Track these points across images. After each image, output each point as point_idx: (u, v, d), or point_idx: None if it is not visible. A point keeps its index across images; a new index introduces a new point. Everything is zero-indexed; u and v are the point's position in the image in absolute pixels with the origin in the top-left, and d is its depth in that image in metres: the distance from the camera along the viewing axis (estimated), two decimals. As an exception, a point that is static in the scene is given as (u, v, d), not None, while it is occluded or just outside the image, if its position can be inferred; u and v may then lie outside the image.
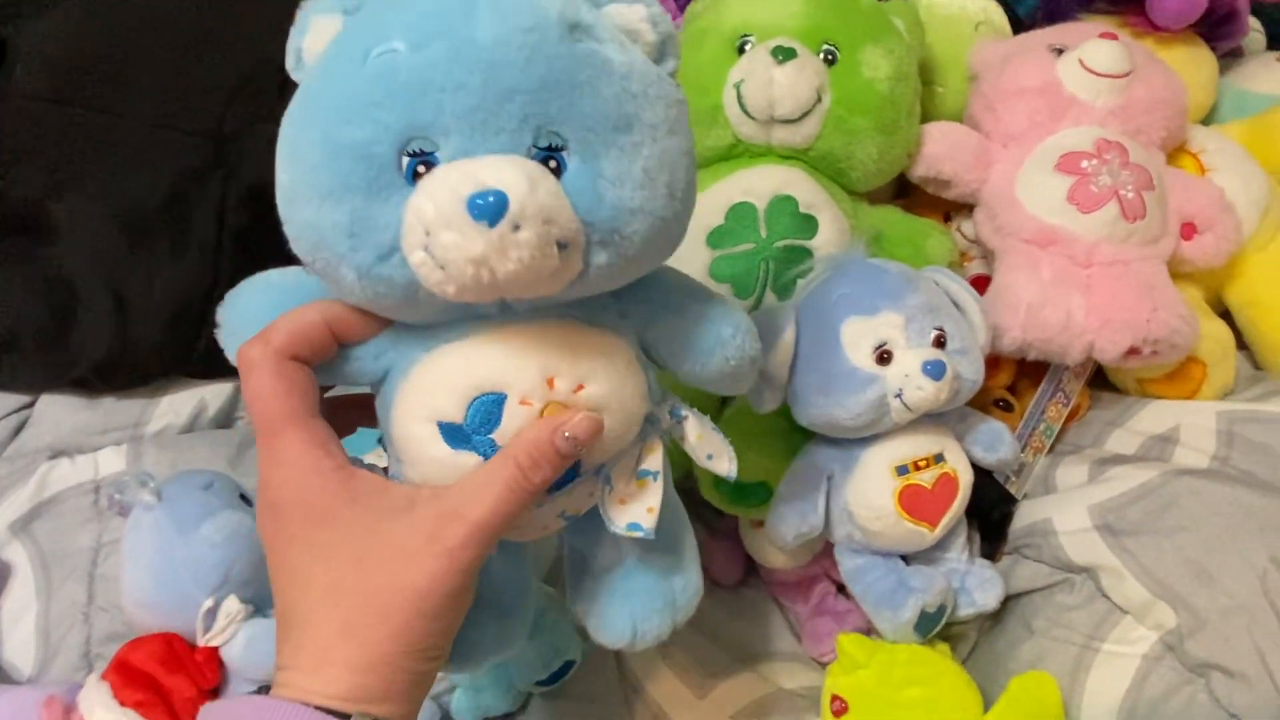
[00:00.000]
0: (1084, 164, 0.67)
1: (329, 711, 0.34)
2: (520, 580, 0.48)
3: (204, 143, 0.70)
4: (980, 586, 0.62)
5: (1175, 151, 0.75)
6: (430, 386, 0.38)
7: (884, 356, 0.56)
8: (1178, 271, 0.69)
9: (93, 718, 0.55)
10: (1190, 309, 0.65)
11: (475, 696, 0.63)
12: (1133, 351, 0.63)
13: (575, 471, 0.40)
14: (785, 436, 0.64)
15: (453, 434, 0.37)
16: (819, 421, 0.58)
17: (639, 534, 0.41)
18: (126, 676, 0.56)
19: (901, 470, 0.58)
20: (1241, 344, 0.75)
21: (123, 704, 0.55)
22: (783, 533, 0.60)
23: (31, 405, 0.72)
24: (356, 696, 0.35)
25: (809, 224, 0.65)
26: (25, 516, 0.66)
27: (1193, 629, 0.55)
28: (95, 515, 0.67)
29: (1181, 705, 0.54)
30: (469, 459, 0.37)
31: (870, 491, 0.58)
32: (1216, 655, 0.54)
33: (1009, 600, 0.64)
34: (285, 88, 0.36)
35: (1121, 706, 0.56)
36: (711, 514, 0.75)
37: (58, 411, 0.72)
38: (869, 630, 0.64)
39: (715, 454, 0.46)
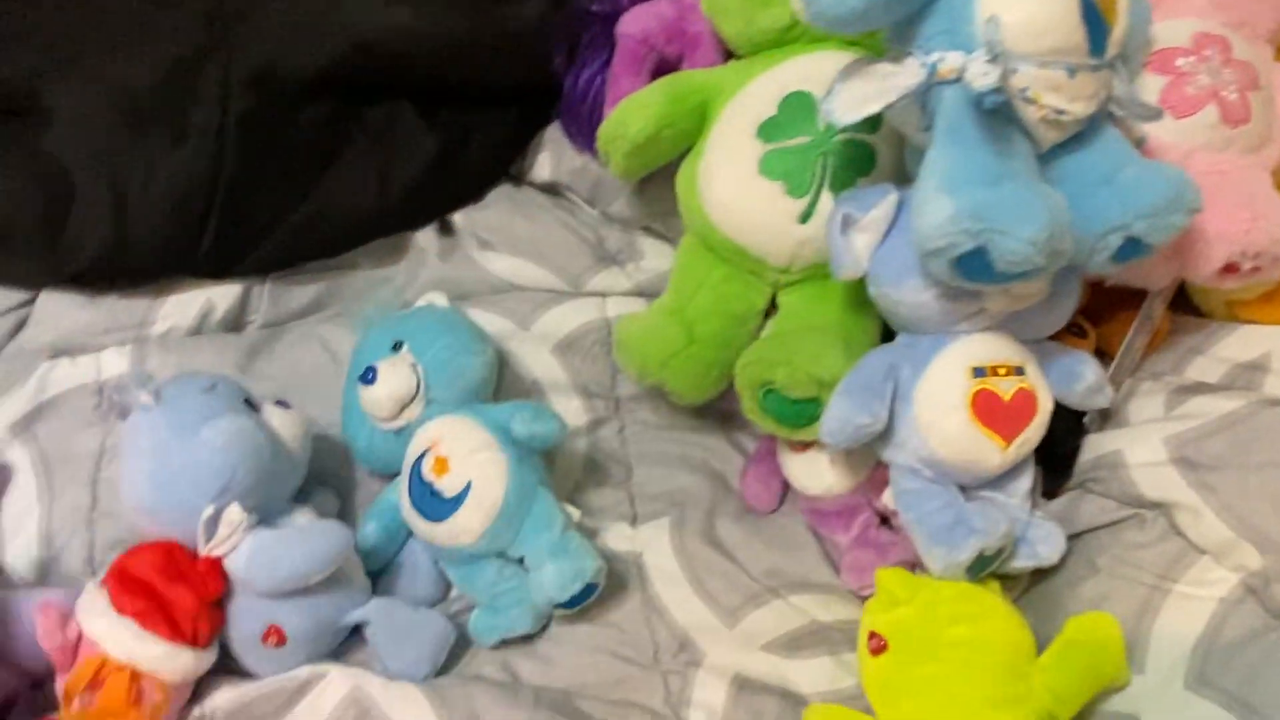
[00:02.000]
0: (1179, 62, 0.60)
1: None
2: None
3: (202, 21, 0.66)
4: (1044, 539, 0.58)
5: (1285, 46, 0.67)
6: None
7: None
8: (1284, 182, 0.62)
9: (89, 625, 0.52)
10: (1295, 222, 0.59)
11: (494, 617, 0.61)
12: (1229, 269, 0.57)
13: None
14: (842, 345, 0.60)
15: None
16: (902, 299, 0.55)
17: None
18: (125, 584, 0.53)
19: (979, 372, 0.54)
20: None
21: (120, 612, 0.52)
22: (839, 427, 0.56)
23: (31, 303, 0.69)
24: None
25: (872, 116, 0.59)
26: (26, 417, 0.64)
27: (1281, 571, 0.50)
28: (98, 418, 0.65)
29: (1263, 653, 0.50)
30: None
31: (942, 389, 0.55)
32: (1307, 601, 0.49)
33: (1071, 537, 0.59)
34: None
35: (1194, 652, 0.52)
36: (747, 438, 0.72)
37: (58, 309, 0.68)
38: (913, 565, 0.60)
39: None
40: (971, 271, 0.48)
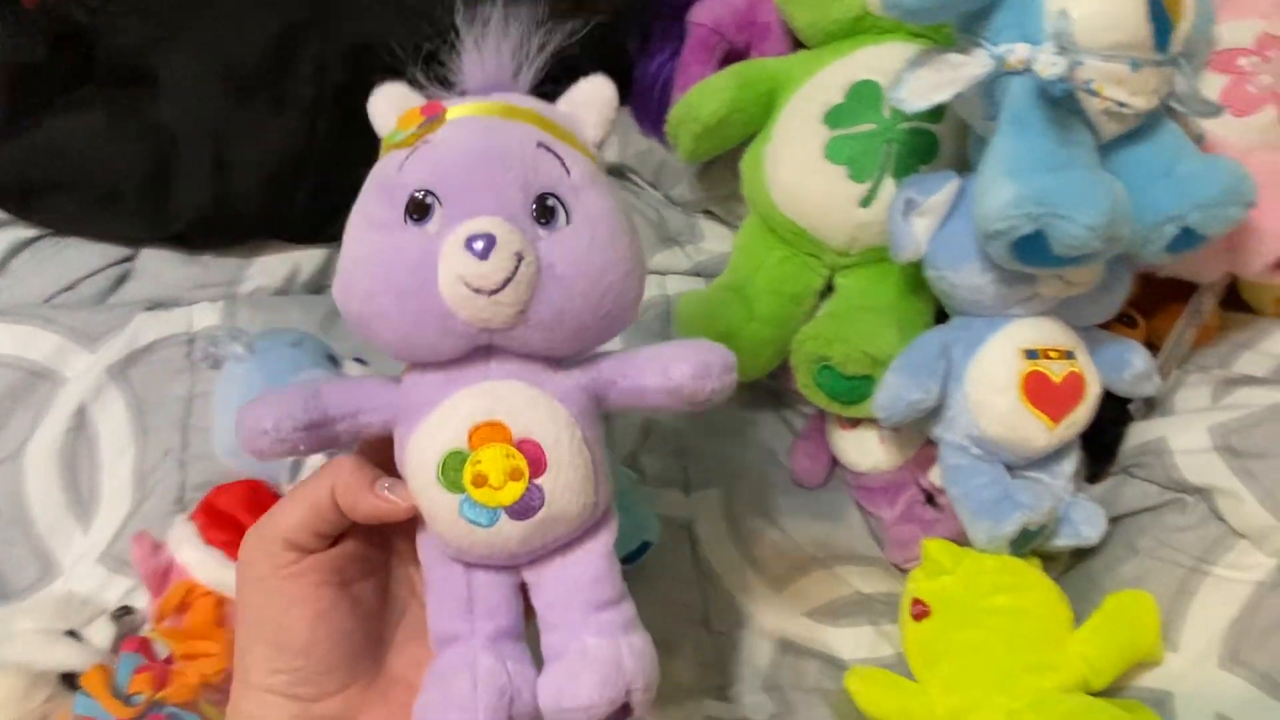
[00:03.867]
0: (1241, 61, 0.60)
1: None
2: None
3: (305, -3, 0.69)
4: (1086, 520, 0.59)
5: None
6: None
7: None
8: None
9: (180, 553, 0.56)
10: (1348, 222, 0.59)
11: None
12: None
13: None
14: (897, 326, 0.61)
15: None
16: (959, 282, 0.56)
17: None
18: (212, 518, 0.57)
19: (1031, 354, 0.56)
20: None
21: (209, 543, 0.56)
22: (892, 402, 0.57)
23: (132, 259, 0.73)
24: None
25: (937, 106, 0.61)
26: (122, 362, 0.67)
27: (1319, 558, 0.52)
28: (188, 366, 0.68)
29: (1297, 636, 0.51)
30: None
31: (994, 369, 0.56)
32: (1342, 587, 0.50)
33: (1112, 520, 0.61)
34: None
35: (1229, 633, 0.53)
36: (796, 416, 0.74)
37: (157, 265, 0.73)
38: (957, 542, 0.61)
39: None
40: (1029, 255, 0.50)
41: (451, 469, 0.35)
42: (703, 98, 0.67)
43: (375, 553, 0.41)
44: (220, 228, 0.71)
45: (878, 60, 0.63)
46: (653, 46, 0.78)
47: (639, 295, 0.38)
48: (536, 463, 0.35)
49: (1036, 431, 0.57)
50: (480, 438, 0.35)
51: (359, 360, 0.64)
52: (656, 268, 0.80)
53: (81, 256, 0.72)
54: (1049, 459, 0.60)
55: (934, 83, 0.51)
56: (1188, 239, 0.52)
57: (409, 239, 0.34)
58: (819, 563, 0.66)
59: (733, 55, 0.75)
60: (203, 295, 0.72)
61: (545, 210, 0.35)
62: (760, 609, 0.64)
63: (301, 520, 0.37)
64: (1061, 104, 0.50)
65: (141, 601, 0.59)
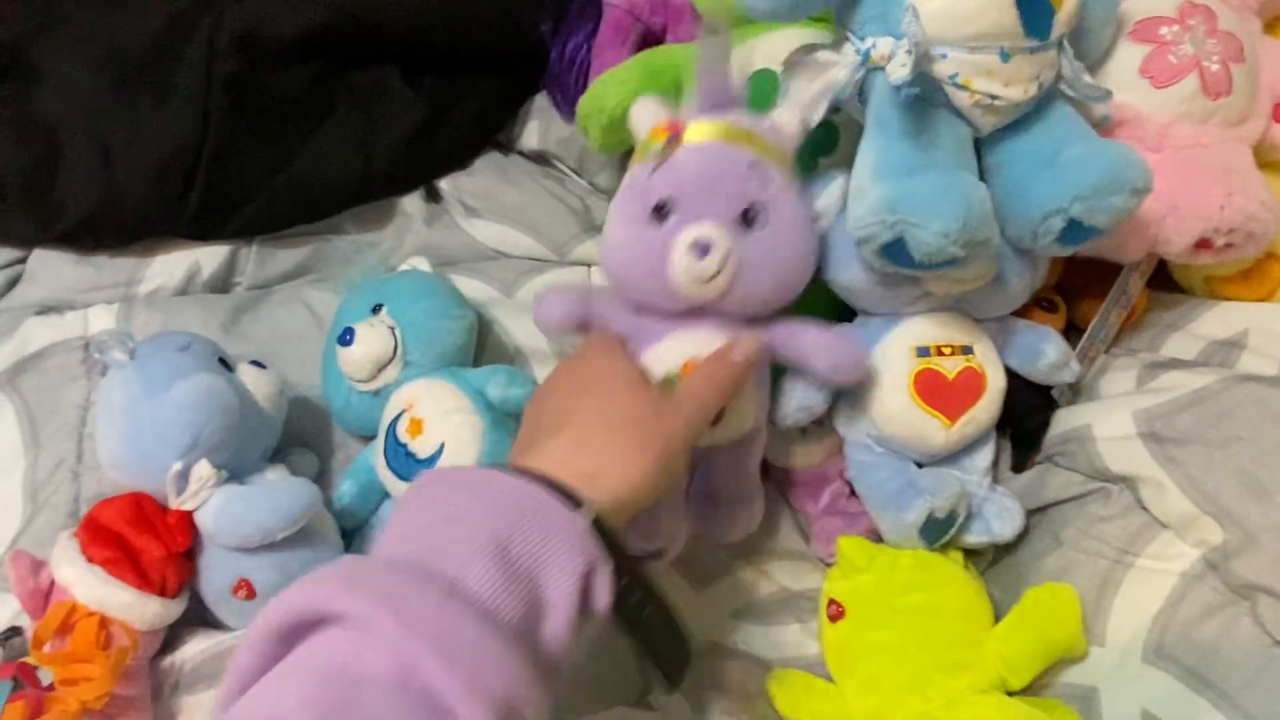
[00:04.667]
0: (1163, 30, 0.59)
1: (561, 492, 0.37)
2: None
3: (192, -16, 0.66)
4: (998, 516, 0.58)
5: (1274, 19, 0.65)
6: None
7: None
8: (1266, 159, 0.61)
9: (59, 572, 0.53)
10: (1273, 198, 0.57)
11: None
12: (1202, 244, 0.56)
13: None
14: None
15: None
16: (846, 285, 0.55)
17: None
18: (95, 534, 0.54)
19: (922, 351, 0.54)
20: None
21: (90, 560, 0.53)
22: (784, 407, 0.56)
23: (24, 261, 0.70)
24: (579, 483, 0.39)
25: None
26: (10, 370, 0.64)
27: (1240, 546, 0.50)
28: (84, 373, 0.65)
29: (1220, 628, 0.49)
30: None
31: (886, 368, 0.55)
32: (1265, 576, 0.49)
33: (1035, 511, 0.59)
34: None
35: (1153, 626, 0.51)
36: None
37: (50, 267, 0.70)
38: (879, 535, 0.60)
39: None
40: (899, 260, 0.48)
41: (666, 388, 0.49)
42: (607, 89, 0.65)
43: None
44: (110, 226, 0.68)
45: (774, 47, 0.61)
46: (567, 28, 0.75)
47: (808, 277, 0.53)
48: None
49: (933, 430, 0.55)
50: (689, 369, 0.51)
51: (256, 364, 0.61)
52: (581, 258, 0.77)
53: (-33, 260, 0.69)
54: (960, 454, 0.58)
55: (809, 95, 0.50)
56: (1078, 231, 0.49)
57: (653, 234, 0.50)
58: (744, 559, 0.64)
59: (649, 37, 0.73)
60: (98, 297, 0.69)
61: (749, 219, 0.50)
62: (686, 610, 0.62)
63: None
64: (926, 100, 0.47)
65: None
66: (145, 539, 0.54)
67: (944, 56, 0.45)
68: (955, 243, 0.44)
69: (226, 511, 0.55)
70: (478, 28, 0.73)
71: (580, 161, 0.80)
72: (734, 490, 0.59)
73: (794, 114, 0.52)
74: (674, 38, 0.71)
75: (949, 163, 0.47)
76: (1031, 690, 0.53)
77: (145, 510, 0.55)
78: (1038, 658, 0.52)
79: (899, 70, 0.44)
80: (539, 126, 0.79)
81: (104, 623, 0.53)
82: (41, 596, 0.54)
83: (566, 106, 0.77)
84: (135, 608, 0.53)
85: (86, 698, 0.50)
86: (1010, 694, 0.52)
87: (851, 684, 0.53)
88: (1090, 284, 0.64)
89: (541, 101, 0.80)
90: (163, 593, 0.54)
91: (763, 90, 0.61)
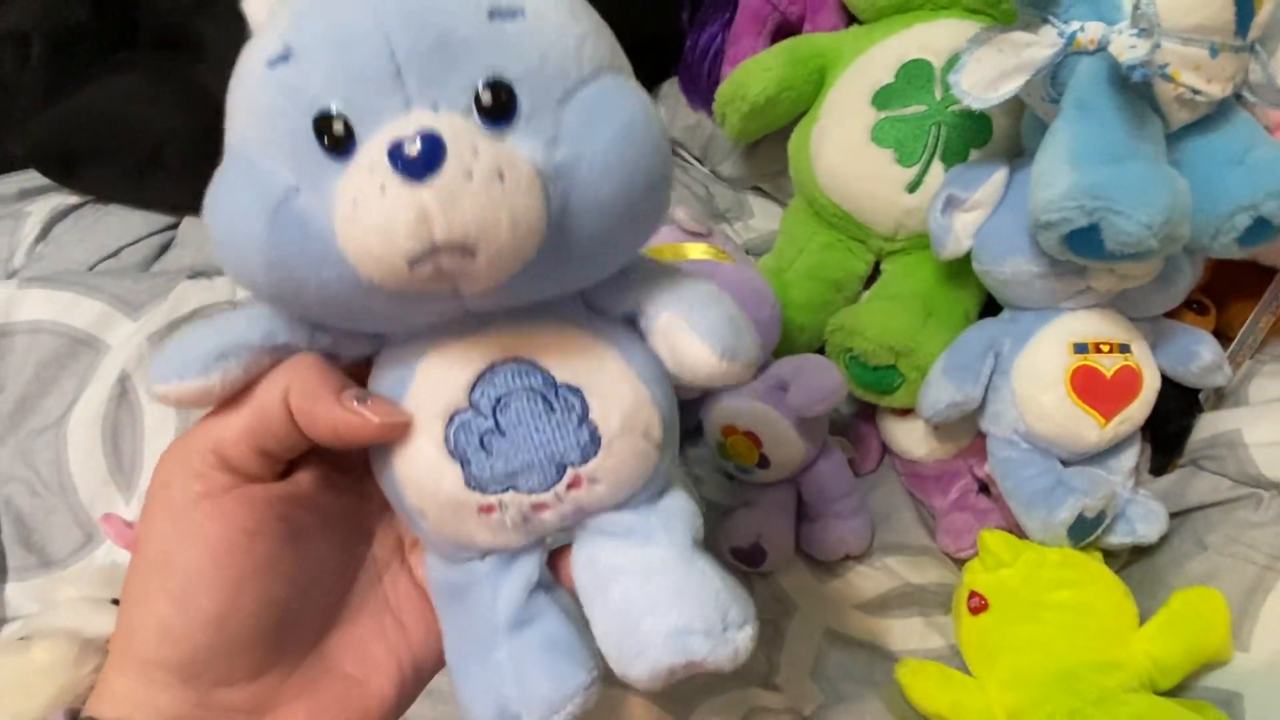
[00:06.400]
0: (1328, 36, 0.58)
1: None
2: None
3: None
4: (1144, 517, 0.57)
5: None
6: None
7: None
8: None
9: None
10: None
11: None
12: (1363, 250, 0.56)
13: None
14: (925, 316, 0.60)
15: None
16: (1005, 277, 0.54)
17: None
18: None
19: (1080, 348, 0.53)
20: None
21: None
22: (933, 401, 0.56)
23: (175, 227, 0.73)
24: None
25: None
26: (164, 330, 0.67)
27: (1400, 556, 0.49)
28: (234, 336, 0.67)
29: (1376, 640, 0.49)
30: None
31: (1041, 364, 0.54)
32: None
33: (1177, 514, 0.59)
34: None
35: (1303, 634, 0.51)
36: (847, 401, 0.72)
37: (201, 234, 0.72)
38: (1011, 532, 0.59)
39: None
40: (1082, 248, 0.48)
41: None
42: (751, 76, 0.65)
43: (339, 499, 0.30)
44: (263, 196, 0.70)
45: (930, 38, 0.61)
46: (703, 17, 0.76)
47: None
48: None
49: (1087, 428, 0.55)
50: None
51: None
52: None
53: (124, 224, 0.71)
54: (1106, 454, 0.58)
55: (998, 68, 0.48)
56: (1261, 230, 0.49)
57: None
58: (868, 553, 0.65)
59: (785, 27, 0.73)
60: (247, 264, 0.71)
61: None
62: (807, 600, 0.63)
63: (243, 429, 0.27)
64: (1131, 89, 0.47)
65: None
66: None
67: (1158, 46, 0.45)
68: (1156, 235, 0.44)
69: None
70: (619, 13, 0.74)
71: (705, 150, 0.80)
72: (825, 509, 0.62)
73: None
74: (812, 26, 0.71)
75: (1152, 153, 0.47)
76: (1173, 693, 0.52)
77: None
78: (1186, 660, 0.51)
79: (1130, 51, 0.44)
80: (665, 113, 0.80)
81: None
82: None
83: (696, 94, 0.77)
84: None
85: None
86: (1158, 694, 0.51)
87: (994, 677, 0.52)
88: (1238, 288, 0.64)
89: (669, 89, 0.81)
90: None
91: (917, 79, 0.61)
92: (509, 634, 0.29)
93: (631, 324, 0.29)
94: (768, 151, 0.76)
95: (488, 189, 0.22)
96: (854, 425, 0.70)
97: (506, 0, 0.24)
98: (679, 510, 0.30)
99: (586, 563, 0.29)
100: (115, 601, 0.55)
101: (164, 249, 0.72)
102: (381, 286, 0.23)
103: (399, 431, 0.27)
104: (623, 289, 0.29)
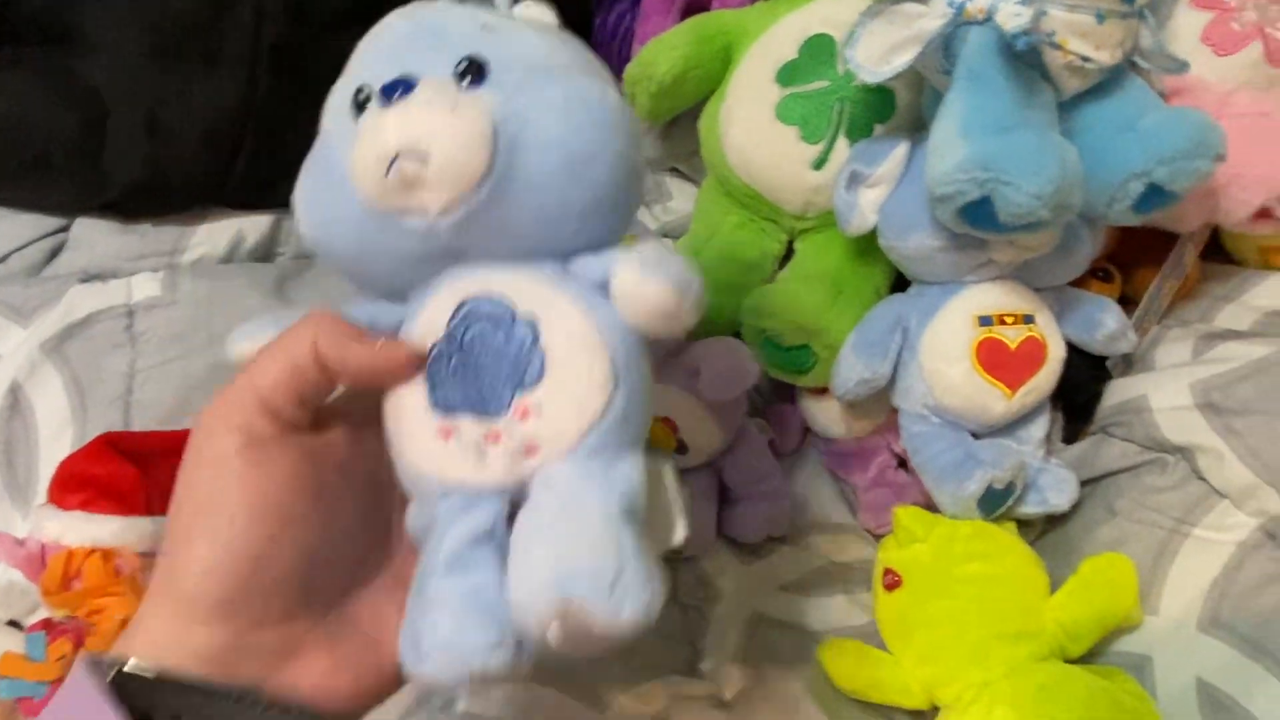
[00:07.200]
0: (1225, -3, 0.58)
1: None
2: None
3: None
4: (1055, 486, 0.58)
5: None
6: None
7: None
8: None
9: (45, 533, 0.53)
10: (1336, 167, 0.57)
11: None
12: (1263, 214, 0.56)
13: None
14: (834, 294, 0.60)
15: None
16: (908, 252, 0.54)
17: None
18: (64, 485, 0.54)
19: (984, 320, 0.53)
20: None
21: (67, 508, 0.53)
22: (844, 379, 0.56)
23: (67, 229, 0.70)
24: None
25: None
26: (56, 338, 0.64)
27: (1302, 517, 0.50)
28: (128, 340, 0.65)
29: (1278, 596, 0.49)
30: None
31: (947, 338, 0.54)
32: (1327, 547, 0.49)
33: (1088, 482, 0.59)
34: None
35: (1208, 595, 0.51)
36: (767, 380, 0.72)
37: (93, 235, 0.69)
38: (929, 506, 0.60)
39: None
40: (977, 220, 0.47)
41: None
42: (658, 55, 0.64)
43: (366, 466, 0.34)
44: (156, 194, 0.67)
45: (833, 12, 0.60)
46: (611, -4, 0.75)
47: None
48: None
49: (993, 400, 0.55)
50: None
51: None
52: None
53: (12, 227, 0.68)
54: (1015, 425, 0.58)
55: (890, 41, 0.48)
56: (1155, 196, 0.49)
57: None
58: (791, 534, 0.64)
59: (696, 5, 0.72)
60: (143, 265, 0.68)
61: None
62: (730, 583, 0.62)
63: (280, 377, 0.30)
64: (1020, 58, 0.47)
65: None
66: (113, 467, 0.53)
67: (1042, 14, 0.45)
68: (1046, 205, 0.44)
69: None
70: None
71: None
72: (746, 491, 0.62)
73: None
74: (720, 3, 0.70)
75: (1042, 122, 0.47)
76: (1084, 659, 0.53)
77: (109, 445, 0.55)
78: (1096, 627, 0.52)
79: (1014, 19, 0.44)
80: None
81: (106, 555, 0.52)
82: (38, 560, 0.53)
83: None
84: (128, 531, 0.53)
85: (119, 615, 0.51)
86: (1068, 662, 0.52)
87: (909, 653, 0.52)
88: (1144, 255, 0.64)
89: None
90: (150, 510, 0.54)
91: (820, 54, 0.60)
92: (442, 575, 0.30)
93: (604, 290, 0.32)
94: (683, 132, 0.75)
95: (441, 111, 0.30)
96: (776, 406, 0.69)
97: (497, 20, 0.33)
98: (623, 481, 0.30)
99: (521, 514, 0.30)
100: (13, 623, 0.53)
101: (55, 252, 0.69)
102: (370, 201, 0.30)
103: (417, 363, 0.31)
104: (600, 262, 0.32)
